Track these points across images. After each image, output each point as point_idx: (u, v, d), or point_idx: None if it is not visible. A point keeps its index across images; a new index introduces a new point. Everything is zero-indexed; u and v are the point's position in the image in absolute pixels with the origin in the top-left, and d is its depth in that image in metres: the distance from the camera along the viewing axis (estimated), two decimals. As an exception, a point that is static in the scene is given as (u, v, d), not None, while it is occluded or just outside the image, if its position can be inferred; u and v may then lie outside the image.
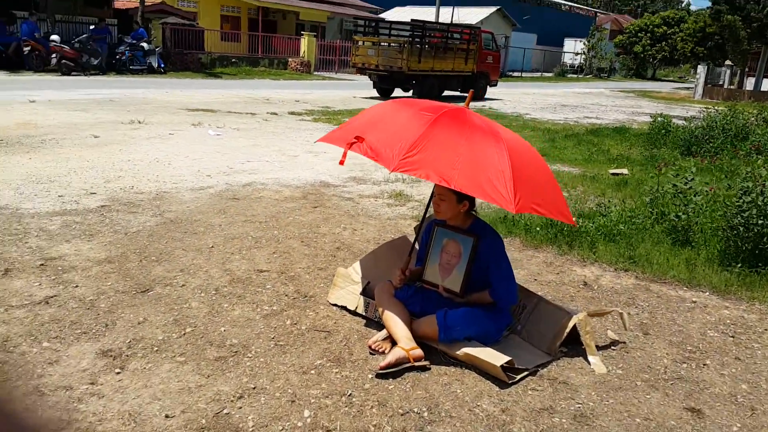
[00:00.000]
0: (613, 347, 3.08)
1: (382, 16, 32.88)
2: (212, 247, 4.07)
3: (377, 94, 17.71)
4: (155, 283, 3.43)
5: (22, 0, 16.78)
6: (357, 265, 3.46)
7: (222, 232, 4.37)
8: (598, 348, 3.00)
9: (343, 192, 5.86)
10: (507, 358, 2.62)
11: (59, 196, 4.96)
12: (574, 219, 2.95)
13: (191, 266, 3.72)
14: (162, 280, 3.48)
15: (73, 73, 16.20)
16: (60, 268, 3.53)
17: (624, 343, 3.13)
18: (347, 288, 3.30)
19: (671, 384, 2.78)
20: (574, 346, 2.97)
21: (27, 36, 16.22)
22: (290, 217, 4.87)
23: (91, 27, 17.86)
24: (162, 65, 18.97)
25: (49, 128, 7.99)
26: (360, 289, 3.25)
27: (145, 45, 18.47)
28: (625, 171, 7.59)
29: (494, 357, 2.63)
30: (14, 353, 2.61)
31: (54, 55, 15.99)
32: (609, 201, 5.74)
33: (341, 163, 2.80)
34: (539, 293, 3.54)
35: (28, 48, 15.99)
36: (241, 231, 4.44)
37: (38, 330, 2.81)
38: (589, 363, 2.86)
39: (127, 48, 18.08)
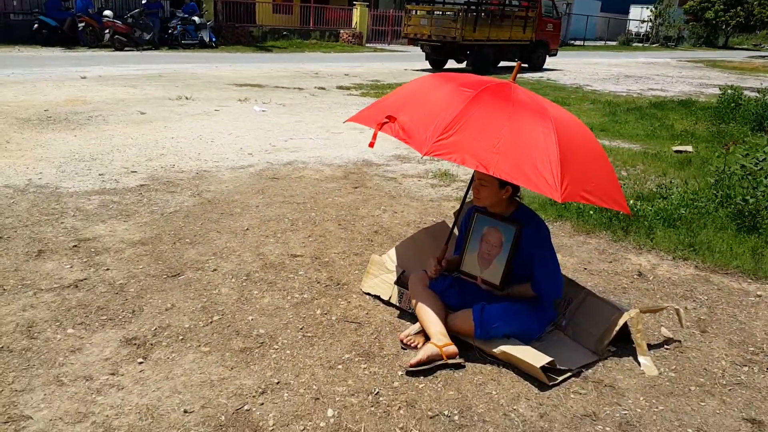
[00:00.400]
0: (666, 346, 2.80)
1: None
2: (247, 229, 3.97)
3: (430, 66, 17.27)
4: (187, 267, 3.37)
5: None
6: (392, 252, 3.28)
7: (258, 214, 4.27)
8: (650, 347, 2.73)
9: (385, 171, 5.67)
10: (548, 359, 2.40)
11: (100, 174, 4.98)
12: (629, 205, 2.66)
13: (224, 250, 3.63)
14: (194, 264, 3.41)
15: (125, 49, 16.49)
16: (93, 250, 3.51)
17: (678, 341, 2.85)
18: (381, 276, 3.14)
19: (729, 390, 2.50)
20: (623, 344, 2.71)
21: (81, 11, 16.54)
22: (329, 198, 4.72)
23: (143, 1, 18.04)
24: (213, 39, 19.06)
25: (96, 104, 8.11)
26: (394, 278, 3.08)
27: (196, 19, 18.58)
28: (689, 148, 7.06)
29: (534, 357, 2.41)
30: (38, 339, 2.58)
31: (107, 31, 16.28)
32: (671, 182, 5.32)
33: (371, 145, 2.61)
34: (589, 284, 3.30)
35: (83, 24, 16.31)
36: (278, 212, 4.33)
37: (64, 315, 2.78)
38: (638, 364, 2.61)
39: (179, 22, 18.21)
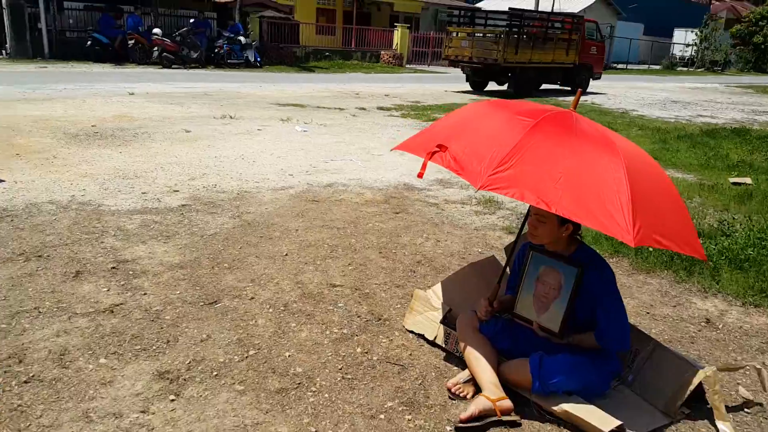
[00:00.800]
0: (746, 410, 2.52)
1: (478, 5, 32.06)
2: (286, 255, 3.85)
3: (470, 88, 17.16)
4: (224, 294, 3.24)
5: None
6: (437, 288, 3.09)
7: (298, 238, 4.15)
8: (728, 409, 2.45)
9: (427, 196, 5.49)
10: (616, 423, 2.16)
11: (143, 193, 4.94)
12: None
13: (262, 276, 3.50)
14: (231, 291, 3.28)
15: (173, 66, 16.85)
16: (131, 273, 3.42)
17: (760, 404, 2.56)
18: (425, 314, 2.95)
19: (827, 467, 2.21)
20: (696, 403, 2.45)
21: (131, 29, 17.07)
22: (370, 224, 4.57)
23: (191, 20, 18.50)
24: (258, 59, 19.35)
25: (143, 121, 8.20)
26: (440, 317, 2.88)
27: (242, 39, 18.93)
28: (748, 180, 6.67)
29: (600, 419, 2.18)
30: (69, 369, 2.47)
31: (156, 48, 16.71)
32: (733, 218, 4.99)
33: (420, 175, 2.45)
34: (653, 331, 3.05)
35: (132, 41, 16.80)
36: (317, 237, 4.19)
37: (98, 343, 2.68)
38: (716, 430, 2.33)
39: (226, 42, 18.58)
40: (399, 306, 3.23)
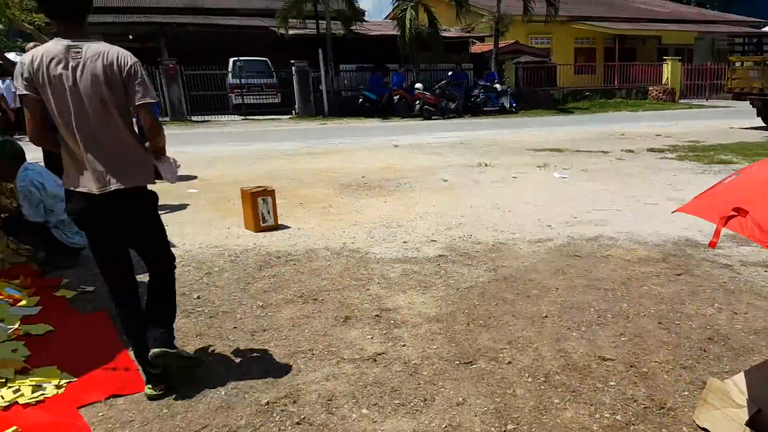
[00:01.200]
0: None
1: (766, 30, 27.72)
2: (545, 316, 3.56)
3: (763, 124, 14.68)
4: (480, 355, 3.10)
5: (394, 54, 19.44)
6: (740, 378, 2.49)
7: (558, 299, 3.83)
8: None
9: (716, 255, 4.66)
10: None
11: (404, 242, 5.16)
12: None
13: (520, 339, 3.28)
14: (487, 352, 3.13)
15: (433, 118, 17.93)
16: (392, 322, 3.51)
17: None
18: (724, 410, 2.38)
19: None
20: None
21: (396, 86, 18.78)
22: (644, 287, 4.02)
23: (449, 73, 19.57)
24: (514, 105, 19.53)
25: (405, 172, 8.73)
26: (745, 418, 2.30)
27: (498, 86, 19.35)
28: None
29: None
30: (335, 416, 2.57)
31: (417, 102, 18.02)
32: None
33: (712, 245, 2.02)
34: None
35: (397, 96, 18.42)
36: (581, 299, 3.82)
37: (361, 392, 2.75)
38: None
39: (482, 90, 19.20)
40: (687, 393, 2.70)
